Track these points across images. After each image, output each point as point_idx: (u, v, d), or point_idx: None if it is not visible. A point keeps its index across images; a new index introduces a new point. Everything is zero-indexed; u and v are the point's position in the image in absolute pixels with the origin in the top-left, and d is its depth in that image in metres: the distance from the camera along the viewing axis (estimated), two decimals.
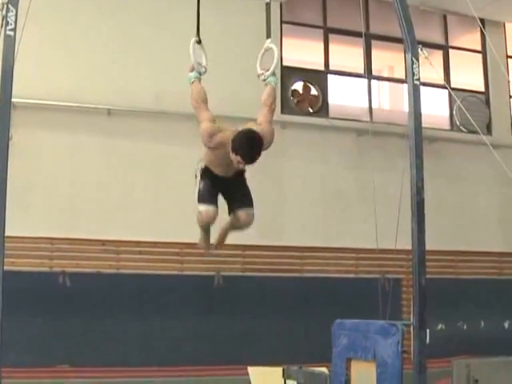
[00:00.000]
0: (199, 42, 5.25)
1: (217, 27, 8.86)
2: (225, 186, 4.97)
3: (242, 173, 5.01)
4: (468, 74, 11.61)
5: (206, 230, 5.24)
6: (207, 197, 4.88)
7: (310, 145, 10.07)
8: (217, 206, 4.89)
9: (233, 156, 4.55)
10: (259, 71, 5.27)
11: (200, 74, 5.11)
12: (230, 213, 5.05)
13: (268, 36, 5.37)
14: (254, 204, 4.93)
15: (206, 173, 4.93)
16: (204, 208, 4.86)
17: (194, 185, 4.93)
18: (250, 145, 4.53)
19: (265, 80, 5.21)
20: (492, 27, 11.21)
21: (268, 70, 5.21)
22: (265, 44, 5.35)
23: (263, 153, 4.53)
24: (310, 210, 9.92)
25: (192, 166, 5.07)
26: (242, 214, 4.95)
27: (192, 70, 5.09)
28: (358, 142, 10.03)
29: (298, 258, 9.82)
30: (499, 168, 6.74)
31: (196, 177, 4.98)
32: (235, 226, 5.14)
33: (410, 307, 5.96)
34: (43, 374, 8.14)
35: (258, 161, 4.51)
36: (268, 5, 5.52)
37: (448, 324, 10.17)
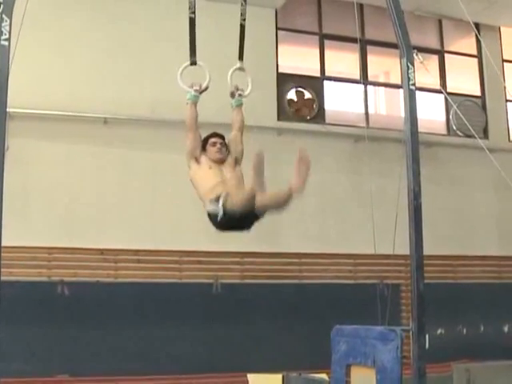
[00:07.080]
0: (194, 63, 5.38)
1: (211, 33, 8.90)
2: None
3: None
4: (464, 78, 11.63)
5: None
6: None
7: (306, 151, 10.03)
8: None
9: (208, 150, 5.13)
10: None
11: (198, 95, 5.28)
12: None
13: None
14: None
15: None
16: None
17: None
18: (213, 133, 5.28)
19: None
20: (487, 31, 11.25)
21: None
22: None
23: None
24: (307, 216, 9.90)
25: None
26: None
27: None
28: (355, 148, 10.03)
29: (297, 264, 9.80)
30: (496, 172, 6.75)
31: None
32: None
33: (409, 312, 5.95)
34: None
35: None
36: (242, 27, 5.64)
37: (447, 329, 10.16)
